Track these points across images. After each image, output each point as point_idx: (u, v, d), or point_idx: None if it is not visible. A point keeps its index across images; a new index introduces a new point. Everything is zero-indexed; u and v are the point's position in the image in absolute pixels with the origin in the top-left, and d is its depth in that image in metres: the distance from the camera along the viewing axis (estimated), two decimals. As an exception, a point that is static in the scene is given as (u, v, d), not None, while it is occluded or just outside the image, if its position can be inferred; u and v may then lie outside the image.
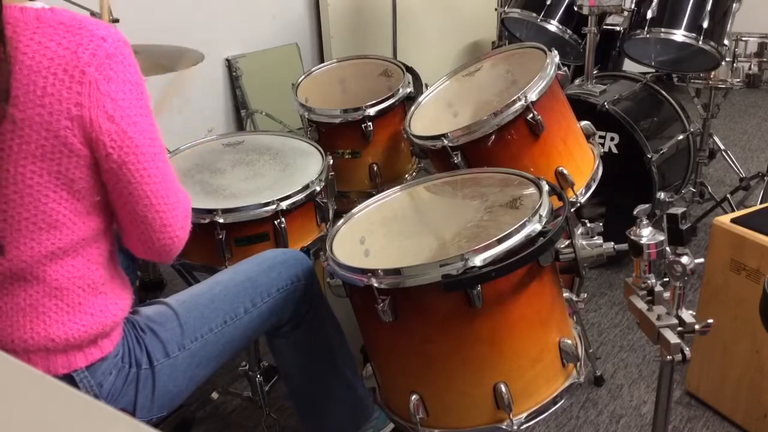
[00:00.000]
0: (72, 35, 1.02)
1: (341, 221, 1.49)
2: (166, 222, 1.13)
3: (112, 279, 1.18)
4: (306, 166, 1.75)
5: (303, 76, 2.27)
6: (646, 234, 1.13)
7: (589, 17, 2.34)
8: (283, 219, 1.58)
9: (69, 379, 1.13)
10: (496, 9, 3.41)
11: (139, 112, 1.07)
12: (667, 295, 1.13)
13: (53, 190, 1.05)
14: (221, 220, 1.54)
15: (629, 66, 2.94)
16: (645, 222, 1.14)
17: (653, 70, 2.72)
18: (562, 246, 1.30)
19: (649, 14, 2.33)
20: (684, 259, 1.08)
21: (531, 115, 1.56)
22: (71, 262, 1.10)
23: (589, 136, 1.77)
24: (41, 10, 1.04)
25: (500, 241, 1.19)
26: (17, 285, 1.09)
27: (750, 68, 2.52)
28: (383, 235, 1.44)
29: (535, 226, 1.23)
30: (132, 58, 1.08)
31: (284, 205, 1.58)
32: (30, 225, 1.05)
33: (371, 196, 1.58)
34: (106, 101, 1.03)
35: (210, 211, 1.54)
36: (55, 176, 1.04)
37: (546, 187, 1.34)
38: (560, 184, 1.59)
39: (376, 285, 1.20)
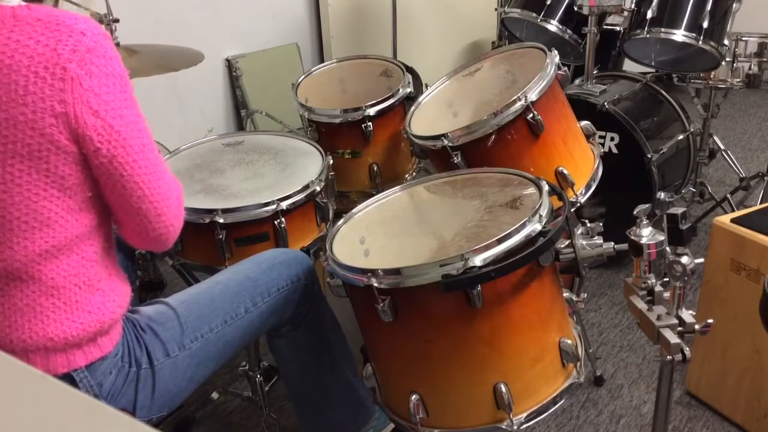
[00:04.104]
0: (50, 31, 1.01)
1: (341, 221, 1.49)
2: (160, 211, 1.14)
3: (108, 276, 1.18)
4: (306, 166, 1.74)
5: (303, 76, 2.27)
6: (646, 234, 1.13)
7: (589, 17, 2.34)
8: (283, 219, 1.58)
9: (69, 378, 1.13)
10: (496, 9, 3.42)
11: (124, 105, 1.07)
12: (667, 295, 1.13)
13: (43, 188, 1.04)
14: (221, 220, 1.54)
15: (629, 66, 2.94)
16: (645, 222, 1.14)
17: (653, 70, 2.73)
18: (562, 246, 1.29)
19: (649, 14, 2.33)
20: (684, 259, 1.08)
21: (531, 115, 1.56)
22: (66, 260, 1.10)
23: (589, 136, 1.77)
24: (18, 7, 1.03)
25: (500, 241, 1.19)
26: (13, 285, 1.08)
27: (750, 68, 2.52)
28: (383, 235, 1.44)
29: (535, 226, 1.23)
30: (113, 51, 1.07)
31: (284, 205, 1.58)
32: (22, 224, 1.05)
33: (371, 196, 1.58)
34: (90, 96, 1.02)
35: (210, 211, 1.54)
36: (44, 174, 1.04)
37: (546, 187, 1.34)
38: (560, 184, 1.59)
39: (376, 285, 1.20)
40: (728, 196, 2.68)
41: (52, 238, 1.07)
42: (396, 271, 1.20)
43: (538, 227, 1.23)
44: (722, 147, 2.88)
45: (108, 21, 2.12)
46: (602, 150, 2.35)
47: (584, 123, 1.77)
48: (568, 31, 2.59)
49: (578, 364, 1.32)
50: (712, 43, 2.31)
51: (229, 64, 3.22)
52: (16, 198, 1.04)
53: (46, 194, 1.05)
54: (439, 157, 1.67)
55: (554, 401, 1.29)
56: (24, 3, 1.04)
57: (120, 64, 1.08)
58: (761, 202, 2.58)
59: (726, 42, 2.34)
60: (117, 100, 1.06)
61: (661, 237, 1.12)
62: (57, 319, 1.10)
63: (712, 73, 2.54)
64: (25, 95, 1.00)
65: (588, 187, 1.67)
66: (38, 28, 1.01)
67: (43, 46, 1.00)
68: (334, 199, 1.79)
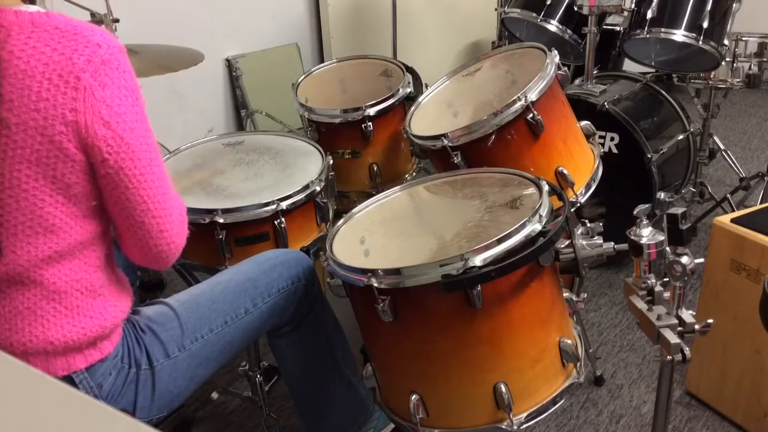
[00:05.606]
0: (67, 40, 1.02)
1: (341, 221, 1.49)
2: (162, 227, 1.13)
3: (110, 282, 1.18)
4: (306, 166, 1.74)
5: (303, 76, 2.27)
6: (646, 234, 1.13)
7: (589, 17, 2.34)
8: (283, 219, 1.58)
9: (68, 380, 1.13)
10: (496, 9, 3.41)
11: (135, 118, 1.07)
12: (667, 295, 1.13)
13: (49, 194, 1.05)
14: (221, 220, 1.54)
15: (629, 66, 2.94)
16: (645, 222, 1.14)
17: (653, 70, 2.72)
18: (562, 246, 1.29)
19: (649, 14, 2.33)
20: (684, 259, 1.08)
21: (531, 115, 1.56)
22: (69, 265, 1.10)
23: (589, 136, 1.77)
24: (36, 14, 1.03)
25: (500, 241, 1.19)
26: (15, 289, 1.08)
27: (750, 68, 2.52)
28: (383, 235, 1.44)
29: (535, 226, 1.23)
30: (128, 65, 1.08)
31: (284, 205, 1.58)
32: (26, 229, 1.05)
33: (371, 196, 1.58)
34: (102, 107, 1.03)
35: (210, 211, 1.54)
36: (51, 180, 1.04)
37: (546, 187, 1.34)
38: (560, 184, 1.59)
39: (376, 285, 1.20)
40: (728, 196, 2.68)
41: (56, 244, 1.08)
42: (396, 271, 1.20)
43: (538, 227, 1.23)
44: (722, 147, 2.88)
45: (108, 21, 2.12)
46: (602, 150, 2.35)
47: (584, 123, 1.77)
48: (568, 31, 2.59)
49: (578, 364, 1.32)
50: (712, 43, 2.31)
51: (229, 64, 3.22)
52: (22, 203, 1.04)
53: (52, 200, 1.05)
54: (439, 157, 1.67)
55: (554, 401, 1.29)
56: (43, 10, 1.05)
57: (134, 79, 1.08)
58: (761, 202, 2.58)
59: (726, 42, 2.34)
60: (129, 112, 1.06)
61: (661, 237, 1.12)
62: (57, 323, 1.10)
63: (712, 73, 2.54)
64: (38, 101, 1.00)
65: (588, 187, 1.67)
66: (55, 36, 1.02)
67: (59, 54, 1.01)
68: (334, 199, 1.79)
